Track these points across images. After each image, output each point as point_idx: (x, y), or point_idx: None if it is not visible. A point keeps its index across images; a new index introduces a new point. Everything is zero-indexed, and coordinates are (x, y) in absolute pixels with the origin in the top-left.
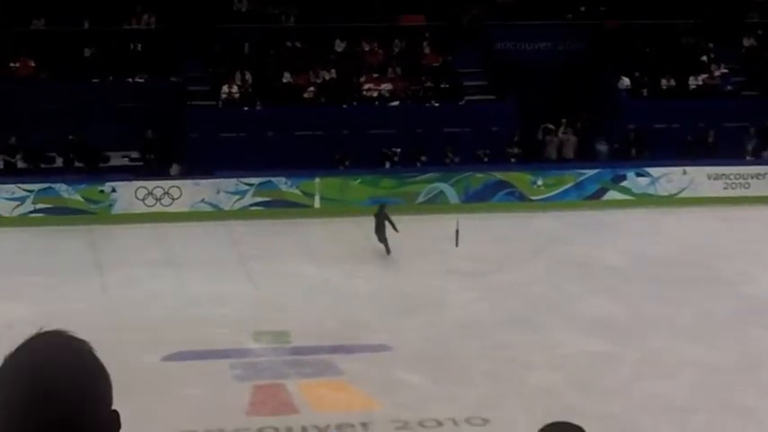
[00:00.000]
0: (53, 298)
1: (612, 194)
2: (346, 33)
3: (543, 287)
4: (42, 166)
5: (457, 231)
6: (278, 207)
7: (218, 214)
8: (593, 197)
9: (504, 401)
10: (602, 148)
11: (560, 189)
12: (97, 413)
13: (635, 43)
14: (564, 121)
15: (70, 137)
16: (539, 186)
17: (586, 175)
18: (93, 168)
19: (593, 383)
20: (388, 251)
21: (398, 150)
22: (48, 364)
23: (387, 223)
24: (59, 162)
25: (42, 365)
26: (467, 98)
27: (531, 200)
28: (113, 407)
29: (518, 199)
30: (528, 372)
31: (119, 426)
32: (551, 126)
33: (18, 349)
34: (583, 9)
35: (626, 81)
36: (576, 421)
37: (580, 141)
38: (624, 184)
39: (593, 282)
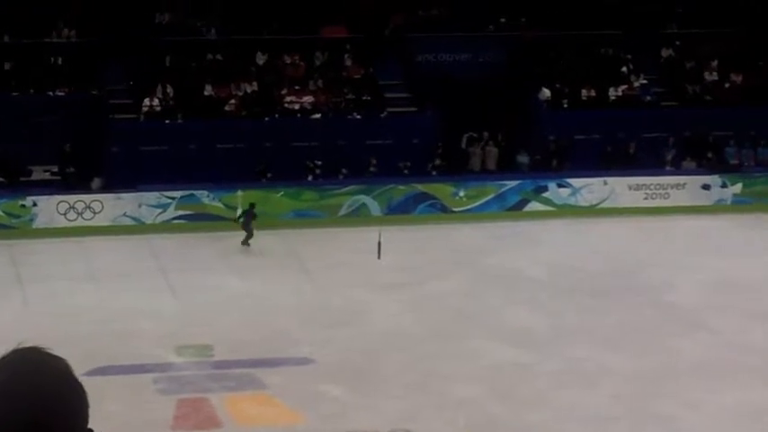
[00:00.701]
0: None
1: (534, 205)
2: (268, 46)
3: (465, 299)
4: None
5: (379, 243)
6: (200, 221)
7: (140, 228)
8: (515, 208)
9: (426, 413)
10: (524, 159)
11: (482, 200)
12: (74, 429)
13: (555, 54)
14: (486, 133)
15: None
16: (460, 198)
17: (508, 187)
18: (13, 182)
19: (514, 394)
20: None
21: (320, 163)
22: (24, 381)
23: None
24: None
25: (19, 382)
26: (388, 110)
27: (453, 211)
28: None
29: (440, 210)
30: (450, 383)
31: None
32: (475, 135)
33: None
34: (503, 20)
35: (546, 92)
36: None
37: (501, 153)
38: (545, 195)
39: (515, 293)
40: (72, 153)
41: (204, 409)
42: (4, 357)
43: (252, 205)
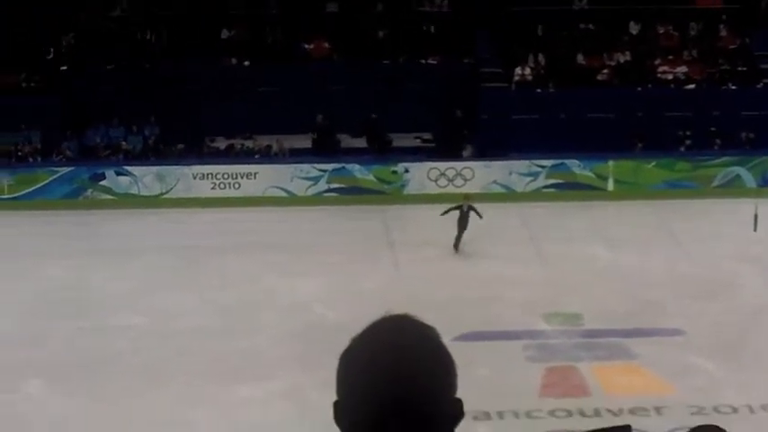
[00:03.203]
0: (345, 277)
1: None
2: (641, 15)
3: None
4: (343, 146)
5: (756, 216)
6: (570, 189)
7: (510, 196)
8: None
9: None
10: None
11: None
12: (443, 398)
13: None
14: None
15: (373, 115)
16: None
17: None
18: (384, 149)
19: None
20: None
21: (691, 133)
22: (398, 348)
23: (471, 215)
24: (350, 143)
25: (392, 346)
26: (764, 81)
27: None
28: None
29: None
30: None
31: (462, 413)
32: None
33: (366, 330)
34: None
35: None
36: None
37: None
38: None
39: None
40: (453, 120)
41: (572, 377)
42: (374, 324)
43: (466, 197)
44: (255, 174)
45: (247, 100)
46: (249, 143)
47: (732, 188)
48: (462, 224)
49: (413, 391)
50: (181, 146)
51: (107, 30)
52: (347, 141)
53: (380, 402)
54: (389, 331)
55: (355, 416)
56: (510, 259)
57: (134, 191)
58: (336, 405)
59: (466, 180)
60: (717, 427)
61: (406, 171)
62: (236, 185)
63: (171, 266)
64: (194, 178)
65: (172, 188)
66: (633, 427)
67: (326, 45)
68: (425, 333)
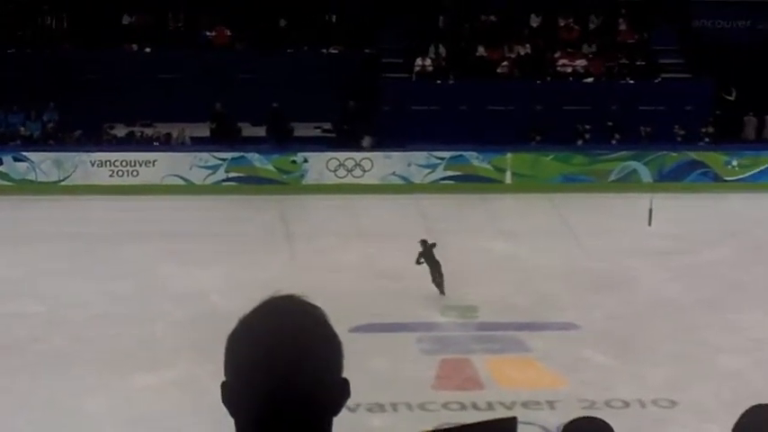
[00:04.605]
0: (242, 266)
1: None
2: (542, 8)
3: (734, 269)
4: (245, 134)
5: (650, 210)
6: (468, 182)
7: (408, 187)
8: None
9: (692, 384)
10: None
11: (756, 170)
12: (329, 379)
13: None
14: None
15: (274, 105)
16: (733, 167)
17: None
18: (284, 138)
19: None
20: (442, 291)
21: (590, 127)
22: (282, 326)
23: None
24: (252, 131)
25: (276, 327)
26: (662, 76)
27: (725, 180)
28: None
29: (712, 179)
30: (717, 354)
31: (348, 394)
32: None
33: (254, 311)
34: None
35: None
36: None
37: None
38: None
39: None
40: (352, 110)
41: (466, 369)
42: (261, 305)
43: (423, 242)
44: (154, 161)
45: (148, 87)
46: (149, 131)
47: (628, 183)
48: (432, 263)
49: (298, 371)
50: (79, 132)
51: (8, 14)
52: (249, 130)
53: (266, 383)
54: (275, 312)
55: (242, 396)
56: (407, 251)
57: (31, 177)
58: (224, 386)
59: (365, 171)
60: (591, 418)
61: (306, 161)
62: (135, 173)
63: (69, 254)
64: (93, 165)
65: (70, 175)
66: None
67: (228, 33)
68: (311, 313)
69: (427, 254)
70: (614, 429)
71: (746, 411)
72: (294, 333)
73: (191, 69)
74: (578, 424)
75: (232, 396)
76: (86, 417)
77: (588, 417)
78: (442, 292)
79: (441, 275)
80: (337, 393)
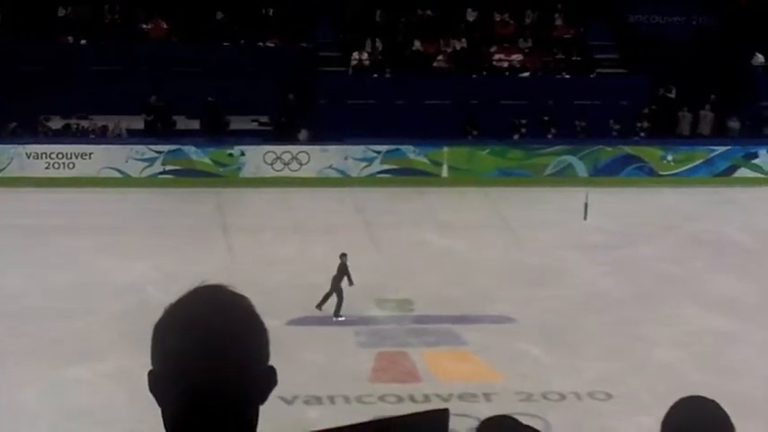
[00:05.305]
0: (178, 259)
1: (743, 172)
2: (478, 3)
3: (670, 264)
4: (179, 128)
5: (586, 204)
6: (405, 175)
7: (345, 180)
8: (724, 174)
9: (626, 377)
10: (734, 125)
11: (690, 165)
12: (255, 366)
13: None
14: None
15: (209, 98)
16: (669, 162)
17: (717, 152)
18: (221, 132)
19: (717, 361)
20: (322, 304)
21: (526, 122)
22: (208, 315)
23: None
24: (187, 124)
25: (203, 316)
26: (598, 71)
27: (660, 175)
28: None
29: (647, 174)
30: (652, 348)
31: (275, 382)
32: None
33: (180, 300)
34: None
35: (760, 58)
36: None
37: (717, 118)
38: (756, 161)
39: (722, 260)
40: (290, 103)
41: (403, 362)
42: (188, 292)
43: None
44: (90, 154)
45: (84, 79)
46: (85, 123)
47: (564, 177)
48: (337, 283)
49: (223, 358)
50: (15, 124)
51: None
52: (184, 123)
53: (192, 370)
54: (201, 301)
55: (168, 384)
56: (343, 244)
57: None
58: (150, 375)
59: (301, 164)
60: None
61: (242, 154)
62: (71, 165)
63: (3, 246)
64: (28, 158)
65: (5, 167)
66: (463, 413)
67: (165, 25)
68: (238, 302)
69: (343, 270)
70: (549, 421)
71: (676, 403)
72: (220, 321)
73: (127, 62)
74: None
75: (158, 384)
76: (20, 409)
77: (501, 415)
78: (319, 306)
79: (337, 295)
80: (263, 382)
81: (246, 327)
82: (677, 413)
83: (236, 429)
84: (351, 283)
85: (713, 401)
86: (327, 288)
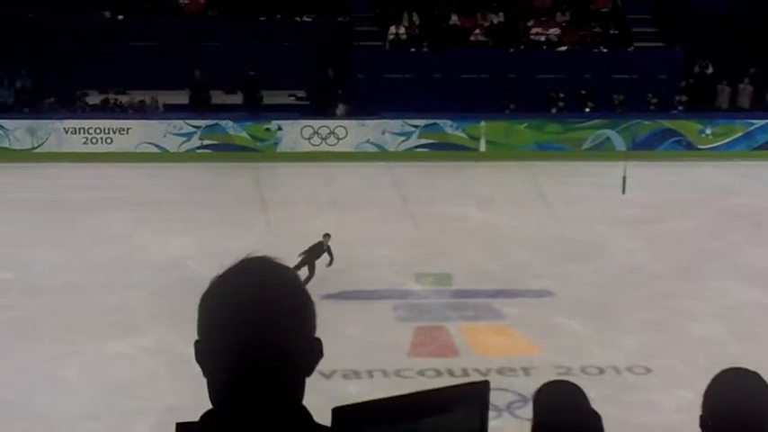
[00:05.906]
0: (217, 234)
1: None
2: None
3: (708, 237)
4: (215, 102)
5: (624, 178)
6: (443, 150)
7: (382, 155)
8: (763, 147)
9: (665, 351)
10: None
11: (729, 139)
12: (301, 338)
13: None
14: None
15: (251, 72)
16: (707, 135)
17: (756, 125)
18: (258, 106)
19: (756, 334)
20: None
21: (563, 96)
22: (255, 287)
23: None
24: (224, 99)
25: (250, 287)
26: (635, 44)
27: (698, 149)
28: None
29: (685, 147)
30: (690, 321)
31: (321, 354)
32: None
33: (228, 271)
34: None
35: None
36: None
37: (756, 91)
38: None
39: (760, 233)
40: (329, 78)
41: (441, 337)
42: (234, 266)
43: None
44: (128, 129)
45: (121, 54)
46: (123, 98)
47: (602, 151)
48: (313, 262)
49: (271, 329)
50: (52, 99)
51: None
52: (220, 97)
53: (239, 341)
54: (248, 271)
55: (214, 354)
56: (381, 219)
57: (5, 144)
58: (197, 345)
59: (339, 139)
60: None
61: (280, 129)
62: (109, 140)
63: (42, 221)
64: (66, 133)
65: (43, 142)
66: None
67: (201, 0)
68: (284, 274)
69: (320, 251)
70: (588, 395)
71: (717, 375)
72: (266, 291)
73: (163, 37)
74: (550, 387)
75: (205, 354)
76: (61, 383)
77: (560, 380)
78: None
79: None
80: (309, 352)
81: (294, 298)
82: (719, 385)
83: (282, 401)
84: (331, 263)
85: (755, 373)
86: (332, 263)
